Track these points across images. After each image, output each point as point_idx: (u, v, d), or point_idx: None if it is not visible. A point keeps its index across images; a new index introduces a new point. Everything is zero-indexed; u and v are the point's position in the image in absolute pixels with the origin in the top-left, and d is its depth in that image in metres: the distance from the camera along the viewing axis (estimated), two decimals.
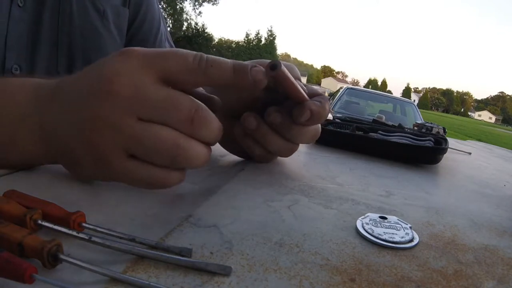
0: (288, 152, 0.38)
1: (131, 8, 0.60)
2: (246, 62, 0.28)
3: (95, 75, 0.26)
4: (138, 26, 0.62)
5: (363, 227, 0.26)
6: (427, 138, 0.63)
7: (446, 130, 0.83)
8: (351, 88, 5.97)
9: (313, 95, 0.35)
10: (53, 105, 0.27)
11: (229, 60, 0.27)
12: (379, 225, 0.27)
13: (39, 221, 0.21)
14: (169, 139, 0.25)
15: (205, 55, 0.27)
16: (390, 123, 0.91)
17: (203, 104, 0.26)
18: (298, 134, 0.35)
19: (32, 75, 0.38)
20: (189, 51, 0.27)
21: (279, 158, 0.45)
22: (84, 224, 0.21)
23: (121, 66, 0.25)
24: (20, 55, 0.47)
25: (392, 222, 0.28)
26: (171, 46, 0.71)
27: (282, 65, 0.29)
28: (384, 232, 0.26)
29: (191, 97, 0.26)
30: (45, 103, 0.28)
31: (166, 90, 0.25)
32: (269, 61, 0.32)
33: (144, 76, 0.25)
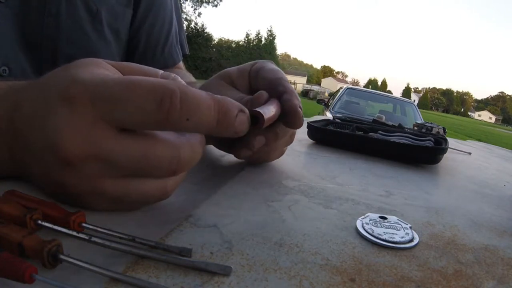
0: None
1: (140, 11, 0.57)
2: (229, 102, 0.22)
3: (41, 131, 0.21)
4: (147, 30, 0.59)
5: (363, 227, 0.26)
6: (427, 138, 0.63)
7: (446, 130, 0.83)
8: (351, 88, 5.96)
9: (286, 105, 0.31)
10: (17, 143, 0.23)
11: (212, 104, 0.20)
12: (379, 225, 0.27)
13: (39, 221, 0.20)
14: (155, 190, 0.23)
15: (178, 95, 0.19)
16: (390, 123, 0.91)
17: (185, 139, 0.22)
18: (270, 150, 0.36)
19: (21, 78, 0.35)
20: (155, 86, 0.19)
21: (279, 158, 0.45)
22: (84, 224, 0.21)
23: (71, 126, 0.20)
24: (8, 55, 0.44)
25: (392, 222, 0.28)
26: (182, 49, 0.68)
27: (264, 115, 0.26)
28: (384, 232, 0.26)
29: (168, 141, 0.21)
30: (8, 139, 0.23)
31: (134, 143, 0.20)
32: (251, 63, 0.29)
33: (102, 132, 0.20)
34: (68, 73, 0.21)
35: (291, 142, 0.39)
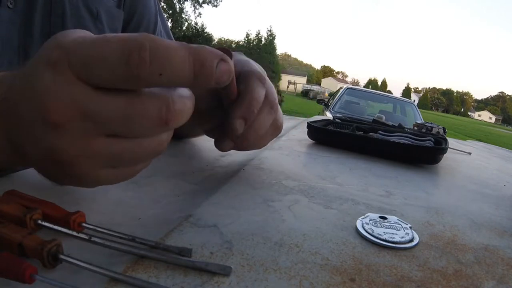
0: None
1: (126, 10, 0.59)
2: (207, 51, 0.20)
3: (30, 100, 0.21)
4: (133, 29, 0.61)
5: (363, 227, 0.26)
6: (427, 138, 0.63)
7: (446, 130, 0.83)
8: (351, 88, 5.96)
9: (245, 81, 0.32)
10: (11, 122, 0.23)
11: (186, 56, 0.19)
12: (379, 225, 0.27)
13: (39, 221, 0.21)
14: (148, 149, 0.22)
15: (148, 49, 0.18)
16: (390, 123, 0.91)
17: (174, 92, 0.21)
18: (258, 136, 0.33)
19: None
20: (124, 41, 0.19)
21: (279, 158, 0.45)
22: (84, 224, 0.21)
23: (54, 88, 0.20)
24: (12, 60, 0.45)
25: (392, 222, 0.28)
26: None
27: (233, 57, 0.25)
28: (384, 232, 0.26)
29: (155, 93, 0.20)
30: (4, 121, 0.23)
31: (117, 97, 0.20)
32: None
33: (81, 91, 0.20)
34: (54, 39, 0.21)
35: (277, 134, 0.37)
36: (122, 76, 0.19)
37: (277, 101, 0.35)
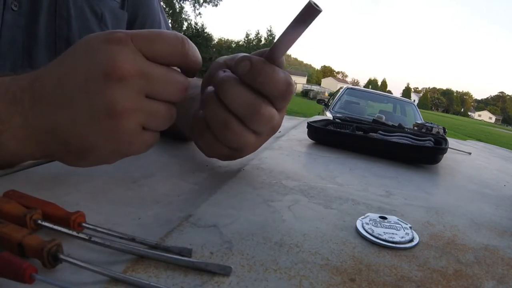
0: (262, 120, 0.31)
1: (129, 10, 0.59)
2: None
3: (93, 63, 0.26)
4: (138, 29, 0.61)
5: (363, 227, 0.26)
6: (427, 138, 0.63)
7: (446, 130, 0.83)
8: (351, 88, 5.96)
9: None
10: (37, 105, 0.26)
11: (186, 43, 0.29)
12: (379, 225, 0.27)
13: (39, 221, 0.21)
14: (166, 116, 0.29)
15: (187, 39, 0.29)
16: (390, 123, 0.91)
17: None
18: (268, 80, 0.30)
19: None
20: (175, 33, 0.29)
21: (279, 158, 0.45)
22: (84, 224, 0.21)
23: (119, 52, 0.26)
24: (16, 62, 0.45)
25: (392, 222, 0.28)
26: None
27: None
28: (384, 232, 0.26)
29: (180, 72, 0.29)
30: (25, 105, 0.26)
31: (161, 67, 0.28)
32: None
33: (143, 58, 0.27)
34: (105, 32, 0.27)
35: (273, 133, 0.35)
36: (179, 51, 0.28)
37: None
